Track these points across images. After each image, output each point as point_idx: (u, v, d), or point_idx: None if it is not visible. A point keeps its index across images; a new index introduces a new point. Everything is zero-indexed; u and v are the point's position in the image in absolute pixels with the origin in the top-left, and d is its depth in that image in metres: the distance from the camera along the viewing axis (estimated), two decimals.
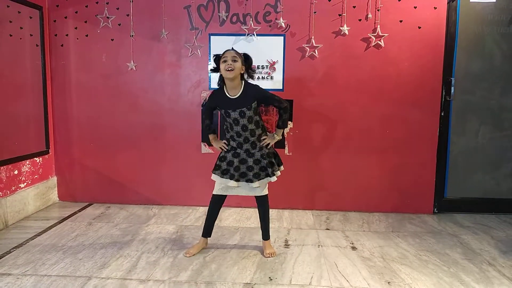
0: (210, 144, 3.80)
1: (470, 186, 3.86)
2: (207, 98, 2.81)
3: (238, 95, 2.69)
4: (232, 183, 2.75)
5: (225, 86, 2.73)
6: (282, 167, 2.96)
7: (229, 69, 2.59)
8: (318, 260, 2.73)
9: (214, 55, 2.77)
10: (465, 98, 3.77)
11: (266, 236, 2.88)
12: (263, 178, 2.79)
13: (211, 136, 2.92)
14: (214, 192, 2.84)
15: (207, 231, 2.91)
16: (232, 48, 2.86)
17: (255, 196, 2.87)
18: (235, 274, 2.52)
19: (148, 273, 2.51)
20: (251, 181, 2.76)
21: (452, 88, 3.72)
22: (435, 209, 3.85)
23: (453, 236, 3.25)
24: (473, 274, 2.57)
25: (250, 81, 2.81)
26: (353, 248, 2.97)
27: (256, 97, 2.71)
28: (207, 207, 2.89)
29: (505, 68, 3.74)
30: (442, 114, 3.75)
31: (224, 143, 2.83)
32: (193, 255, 2.80)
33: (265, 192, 2.85)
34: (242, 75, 2.72)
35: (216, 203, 2.87)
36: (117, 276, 2.46)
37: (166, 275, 2.49)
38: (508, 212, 3.77)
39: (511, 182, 3.81)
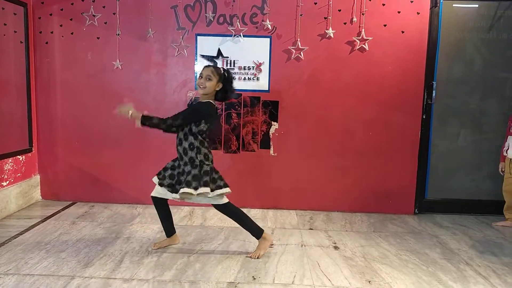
0: None
1: (450, 187, 3.96)
2: (207, 110, 2.73)
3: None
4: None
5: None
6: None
7: (201, 86, 2.72)
8: (301, 260, 2.78)
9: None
10: (446, 102, 3.87)
11: (255, 235, 2.84)
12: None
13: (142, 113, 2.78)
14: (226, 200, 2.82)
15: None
16: (215, 62, 2.87)
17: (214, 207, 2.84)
18: (219, 273, 2.55)
19: (132, 272, 2.52)
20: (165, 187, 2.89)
21: (434, 91, 3.81)
22: (416, 209, 3.94)
23: (433, 236, 3.33)
24: (450, 273, 2.64)
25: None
26: (336, 247, 3.02)
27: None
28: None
29: (485, 73, 3.84)
30: (424, 117, 3.84)
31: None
32: (158, 248, 2.88)
33: (221, 201, 2.75)
34: (217, 92, 2.78)
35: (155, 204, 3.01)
36: (100, 276, 2.46)
37: (150, 274, 2.50)
38: (486, 213, 3.87)
39: (489, 184, 3.91)
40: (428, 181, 3.94)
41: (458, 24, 3.79)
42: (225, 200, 2.76)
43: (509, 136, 3.55)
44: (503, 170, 3.63)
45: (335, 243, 3.10)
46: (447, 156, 3.93)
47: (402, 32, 3.74)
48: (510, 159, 3.53)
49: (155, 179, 2.91)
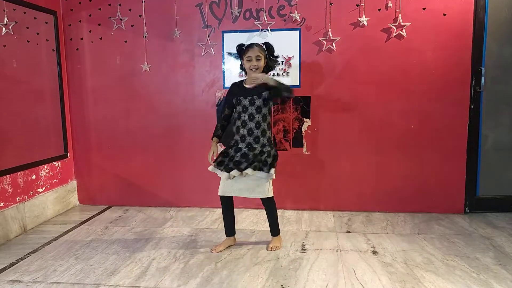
0: (225, 144, 3.71)
1: (504, 183, 3.58)
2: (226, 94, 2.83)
3: (252, 85, 2.73)
4: (225, 175, 2.72)
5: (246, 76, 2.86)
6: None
7: (255, 68, 2.73)
8: (336, 266, 2.58)
9: (238, 46, 2.83)
10: (497, 89, 3.49)
11: (274, 232, 2.91)
12: (258, 170, 2.67)
13: (215, 139, 2.89)
14: (219, 193, 2.82)
15: (229, 231, 2.92)
16: (255, 44, 2.77)
17: (261, 199, 2.81)
18: (246, 281, 2.41)
19: (157, 280, 2.44)
20: (245, 168, 2.67)
21: (482, 78, 3.45)
22: (466, 208, 3.60)
23: (485, 238, 3.01)
24: (505, 281, 2.35)
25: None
26: (374, 252, 2.80)
27: (267, 87, 2.71)
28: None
29: None
30: (472, 106, 3.50)
31: (221, 153, 2.84)
32: (220, 251, 2.83)
33: (270, 194, 2.76)
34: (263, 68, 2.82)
35: (224, 204, 2.87)
36: (125, 284, 2.40)
37: (175, 282, 2.41)
38: None
39: None
40: (480, 177, 3.59)
41: (507, 2, 3.40)
42: (272, 193, 2.80)
43: None
44: None
45: (374, 247, 2.87)
46: (499, 148, 3.55)
47: (444, 14, 3.41)
48: None
49: (220, 171, 2.76)
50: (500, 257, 2.68)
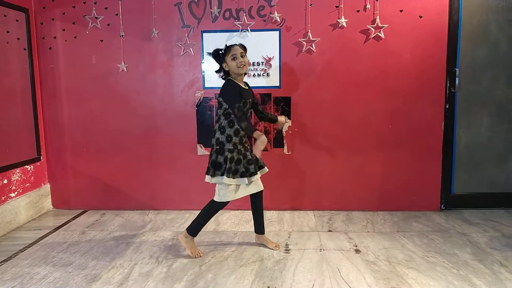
0: (207, 146, 3.68)
1: (478, 180, 3.70)
2: (232, 90, 2.62)
3: (247, 87, 2.78)
4: (249, 179, 2.67)
5: (235, 80, 2.72)
6: None
7: (242, 65, 2.65)
8: (320, 266, 2.59)
9: (214, 50, 2.74)
10: (471, 89, 3.61)
11: (264, 229, 2.95)
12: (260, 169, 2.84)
13: (258, 131, 2.56)
14: (228, 198, 2.66)
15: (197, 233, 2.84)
16: (237, 43, 2.73)
17: (255, 194, 2.82)
18: (232, 283, 2.39)
19: (140, 285, 2.38)
20: (256, 174, 2.72)
21: (457, 79, 3.56)
22: (442, 205, 3.70)
23: (462, 234, 3.10)
24: (484, 276, 2.42)
25: None
26: (357, 251, 2.83)
27: (253, 93, 2.85)
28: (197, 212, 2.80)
29: (511, 56, 3.56)
30: (447, 106, 3.59)
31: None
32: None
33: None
34: None
35: (219, 210, 2.78)
36: None
37: (159, 287, 2.36)
38: None
39: None
40: (454, 175, 3.69)
41: (480, 5, 3.52)
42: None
43: None
44: None
45: (356, 246, 2.91)
46: (473, 147, 3.67)
47: (420, 17, 3.49)
48: None
49: (239, 179, 2.65)
50: (477, 252, 2.76)
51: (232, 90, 2.63)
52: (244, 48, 2.73)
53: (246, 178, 2.64)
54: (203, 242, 3.02)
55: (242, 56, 2.66)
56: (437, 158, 3.65)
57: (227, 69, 2.70)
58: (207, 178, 2.67)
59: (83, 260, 2.74)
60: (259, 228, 2.93)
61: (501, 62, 3.57)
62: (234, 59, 2.64)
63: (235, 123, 2.63)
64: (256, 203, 2.89)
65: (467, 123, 3.65)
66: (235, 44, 2.70)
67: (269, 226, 3.34)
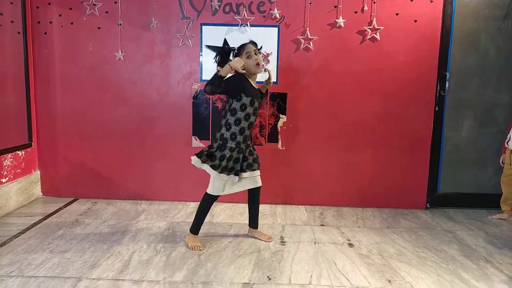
0: (202, 138, 3.70)
1: (462, 181, 3.86)
2: (232, 77, 2.57)
3: (257, 86, 2.75)
4: (237, 178, 2.72)
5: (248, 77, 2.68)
6: None
7: (258, 63, 2.62)
8: (316, 258, 2.67)
9: (227, 48, 2.72)
10: (460, 93, 3.75)
11: (258, 224, 3.00)
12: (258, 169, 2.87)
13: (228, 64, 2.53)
14: (218, 193, 2.72)
15: (199, 230, 2.86)
16: (251, 41, 2.73)
17: (252, 189, 2.87)
18: (232, 273, 2.44)
19: (142, 273, 2.41)
20: (255, 169, 2.80)
21: (447, 83, 3.69)
22: (428, 204, 3.84)
23: (448, 232, 3.24)
24: (472, 271, 2.55)
25: None
26: (350, 245, 2.92)
27: (262, 92, 2.87)
28: (198, 204, 2.81)
29: (499, 64, 3.73)
30: (436, 108, 3.73)
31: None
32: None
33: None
34: None
35: (213, 203, 2.80)
36: (108, 277, 2.35)
37: (161, 275, 2.39)
38: (499, 207, 3.76)
39: None
40: (441, 175, 3.84)
41: (472, 13, 3.66)
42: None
43: None
44: (503, 161, 3.54)
45: (349, 240, 3.00)
46: (459, 149, 3.83)
47: (415, 21, 3.61)
48: (511, 150, 3.43)
49: (224, 175, 2.67)
50: (464, 249, 2.90)
51: (234, 78, 2.58)
52: (255, 45, 2.70)
53: (234, 176, 2.69)
54: (199, 233, 3.05)
55: (256, 54, 2.62)
56: (425, 158, 3.78)
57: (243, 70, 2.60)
58: (195, 160, 2.63)
59: (80, 247, 2.74)
60: (254, 222, 2.98)
61: (489, 68, 3.73)
62: (249, 57, 2.60)
63: (241, 121, 2.63)
64: (253, 199, 2.93)
65: (455, 125, 3.79)
66: (249, 42, 2.69)
67: (263, 219, 3.40)
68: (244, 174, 2.76)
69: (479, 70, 3.73)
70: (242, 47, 2.66)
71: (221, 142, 2.66)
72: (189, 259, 2.61)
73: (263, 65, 2.70)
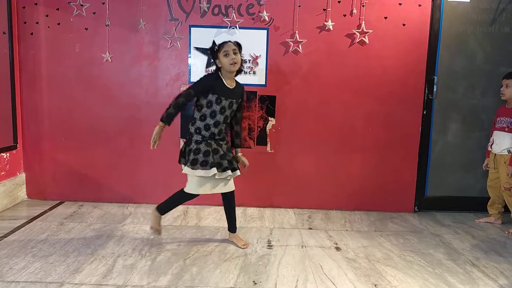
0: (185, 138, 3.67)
1: (450, 184, 3.87)
2: (203, 79, 2.70)
3: (233, 86, 2.73)
4: (216, 171, 2.64)
5: (222, 76, 2.70)
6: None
7: (234, 62, 2.63)
8: (303, 262, 2.65)
9: (212, 46, 2.72)
10: (447, 97, 3.77)
11: (236, 228, 2.95)
12: (233, 170, 2.77)
13: (162, 124, 2.65)
14: (193, 191, 2.70)
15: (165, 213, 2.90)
16: (231, 40, 2.73)
17: (226, 193, 2.82)
18: (218, 277, 2.41)
19: (125, 278, 2.37)
20: (228, 170, 2.70)
21: (435, 86, 3.71)
22: (416, 207, 3.85)
23: (435, 235, 3.24)
24: (457, 275, 2.55)
25: None
26: (337, 248, 2.91)
27: (242, 95, 2.83)
28: (182, 205, 2.89)
29: (486, 68, 3.75)
30: (425, 112, 3.74)
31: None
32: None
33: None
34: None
35: (185, 200, 2.79)
36: (91, 282, 2.31)
37: (145, 279, 2.36)
38: (487, 211, 3.78)
39: None
40: (428, 178, 3.85)
41: (460, 17, 3.68)
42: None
43: (494, 131, 3.46)
44: (487, 166, 3.54)
45: (336, 244, 2.99)
46: (447, 152, 3.84)
47: (403, 25, 3.62)
48: (495, 154, 3.44)
49: (203, 171, 2.63)
50: (450, 252, 2.90)
51: (202, 80, 2.70)
52: (238, 45, 2.72)
53: (209, 170, 2.59)
54: (185, 236, 3.03)
55: (234, 53, 2.64)
56: (413, 161, 3.79)
57: (220, 65, 2.69)
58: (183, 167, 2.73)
59: (63, 251, 2.70)
60: (231, 227, 2.93)
61: (477, 72, 3.75)
62: (226, 55, 2.63)
63: (207, 117, 2.66)
64: (228, 203, 2.87)
65: (443, 129, 3.81)
66: (229, 41, 2.70)
67: (251, 223, 3.38)
68: (225, 174, 2.68)
69: (467, 74, 3.75)
70: (222, 44, 2.68)
71: (187, 137, 2.71)
72: (174, 263, 2.58)
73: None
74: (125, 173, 3.79)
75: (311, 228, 3.31)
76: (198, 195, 2.74)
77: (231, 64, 2.62)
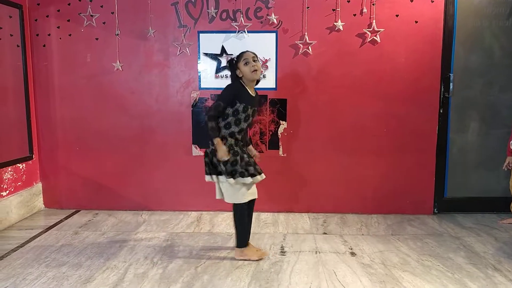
0: (202, 147, 3.66)
1: (471, 185, 3.74)
2: (230, 89, 2.64)
3: (255, 94, 2.73)
4: (261, 176, 2.67)
5: (245, 85, 2.69)
6: None
7: (255, 70, 2.62)
8: (316, 268, 2.59)
9: (229, 60, 2.75)
10: (464, 94, 3.65)
11: (238, 244, 2.78)
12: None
13: (219, 140, 2.58)
14: (245, 200, 2.65)
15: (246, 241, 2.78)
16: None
17: (252, 202, 2.78)
18: (229, 286, 2.38)
19: (136, 287, 2.36)
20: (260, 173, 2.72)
21: (451, 84, 3.59)
22: (435, 209, 3.73)
23: (455, 238, 3.13)
24: (479, 280, 2.44)
25: None
26: (352, 254, 2.84)
27: (259, 102, 2.89)
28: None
29: (504, 63, 3.62)
30: (441, 111, 3.63)
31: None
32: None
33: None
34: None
35: (248, 210, 2.73)
36: None
37: None
38: (510, 211, 3.64)
39: None
40: (447, 179, 3.73)
41: (474, 12, 3.56)
42: None
43: None
44: (509, 165, 3.39)
45: (351, 249, 2.92)
46: (466, 151, 3.71)
47: (416, 22, 3.53)
48: None
49: (250, 179, 2.60)
50: (471, 256, 2.79)
51: (229, 89, 2.65)
52: (255, 54, 2.70)
53: (249, 178, 2.59)
54: (198, 243, 3.01)
55: (254, 61, 2.63)
56: (430, 162, 3.68)
57: (240, 75, 2.65)
58: (210, 178, 2.67)
59: (76, 261, 2.71)
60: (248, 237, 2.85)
61: (494, 68, 3.62)
62: (246, 63, 2.62)
63: (232, 124, 2.62)
64: (250, 212, 2.81)
65: (460, 127, 3.69)
66: (247, 50, 2.69)
67: (264, 228, 3.34)
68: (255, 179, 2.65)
69: (484, 70, 3.62)
70: (240, 54, 2.68)
71: (213, 148, 2.62)
72: (186, 271, 2.56)
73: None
74: (138, 180, 3.80)
75: (325, 233, 3.24)
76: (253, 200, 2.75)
77: (253, 71, 2.61)
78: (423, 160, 3.67)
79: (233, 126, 2.62)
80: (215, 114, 2.60)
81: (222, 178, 2.63)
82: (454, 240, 3.08)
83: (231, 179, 2.57)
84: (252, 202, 2.78)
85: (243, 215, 2.69)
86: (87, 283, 2.40)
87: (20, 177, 3.58)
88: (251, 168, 2.63)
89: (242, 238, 2.72)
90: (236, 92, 2.63)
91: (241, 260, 2.70)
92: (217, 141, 2.56)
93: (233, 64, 2.69)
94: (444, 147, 3.68)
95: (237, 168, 2.59)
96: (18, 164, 3.56)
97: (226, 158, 2.54)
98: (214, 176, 2.65)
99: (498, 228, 3.34)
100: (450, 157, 3.71)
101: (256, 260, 2.69)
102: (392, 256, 2.78)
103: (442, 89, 3.61)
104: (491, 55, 3.62)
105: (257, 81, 2.76)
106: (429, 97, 3.61)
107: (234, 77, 2.70)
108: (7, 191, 3.42)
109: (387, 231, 3.28)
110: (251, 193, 2.68)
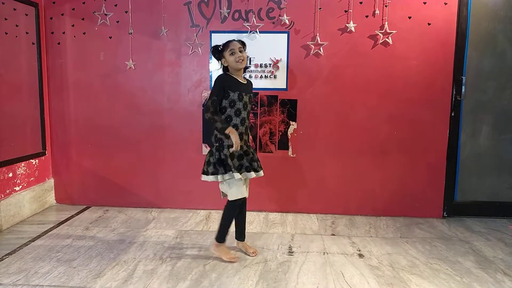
0: (212, 145, 3.68)
1: (481, 189, 3.71)
2: (217, 81, 2.63)
3: (246, 82, 2.73)
4: (251, 174, 2.64)
5: (231, 74, 2.70)
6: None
7: (241, 60, 2.62)
8: (324, 269, 2.60)
9: (213, 46, 2.74)
10: (476, 98, 3.62)
11: (218, 239, 2.78)
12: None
13: (231, 128, 2.53)
14: (240, 195, 2.64)
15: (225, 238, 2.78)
16: (235, 39, 2.72)
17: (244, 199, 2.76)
18: (237, 284, 2.39)
19: (145, 283, 2.39)
20: (258, 171, 2.71)
21: (463, 87, 3.57)
22: (445, 213, 3.71)
23: (465, 242, 3.11)
24: (487, 284, 2.43)
25: None
26: (360, 255, 2.83)
27: (252, 90, 2.81)
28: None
29: None
30: (453, 114, 3.61)
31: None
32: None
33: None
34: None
35: (240, 208, 2.74)
36: (112, 287, 2.34)
37: (164, 285, 2.37)
38: None
39: None
40: (458, 183, 3.70)
41: (488, 14, 3.54)
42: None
43: None
44: None
45: (359, 251, 2.92)
46: (477, 155, 3.68)
47: (429, 24, 3.51)
48: None
49: (238, 175, 2.57)
50: (480, 260, 2.77)
51: (216, 82, 2.64)
52: (242, 43, 2.71)
53: (252, 172, 2.63)
54: (207, 242, 3.03)
55: (240, 51, 2.64)
56: (441, 165, 3.66)
57: (226, 64, 2.68)
58: (211, 178, 2.60)
59: (87, 256, 2.75)
60: (242, 235, 2.89)
61: (507, 71, 3.59)
62: (232, 54, 2.62)
63: (233, 117, 2.62)
64: (242, 210, 2.82)
65: (472, 131, 3.66)
66: (234, 40, 2.69)
67: (272, 228, 3.35)
68: (251, 174, 2.65)
69: (497, 73, 3.59)
70: (227, 43, 2.68)
71: (217, 144, 2.63)
72: (194, 269, 2.58)
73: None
74: (148, 178, 3.84)
75: (334, 234, 3.24)
76: (244, 199, 2.73)
77: (237, 61, 2.62)
78: (434, 163, 3.65)
79: (234, 118, 2.62)
80: (215, 110, 2.58)
81: (226, 176, 2.59)
82: (463, 244, 3.06)
83: (237, 173, 2.57)
84: (245, 202, 2.78)
85: (234, 212, 2.71)
86: (97, 278, 2.44)
87: (33, 173, 3.64)
88: (254, 164, 2.68)
89: (223, 233, 2.73)
90: (224, 83, 2.62)
91: (215, 255, 2.74)
92: (230, 129, 2.51)
93: (218, 52, 2.69)
94: (455, 151, 3.65)
95: (243, 163, 2.62)
96: (31, 160, 3.62)
97: (239, 147, 2.53)
98: (219, 176, 2.59)
99: (508, 233, 3.31)
100: (461, 160, 3.68)
101: (226, 262, 2.68)
102: (400, 259, 2.78)
103: (454, 92, 3.58)
104: (505, 59, 3.58)
105: (245, 69, 2.79)
106: (441, 99, 3.59)
107: (221, 66, 2.72)
108: (20, 186, 3.48)
109: (396, 234, 3.27)
110: (244, 190, 2.69)
